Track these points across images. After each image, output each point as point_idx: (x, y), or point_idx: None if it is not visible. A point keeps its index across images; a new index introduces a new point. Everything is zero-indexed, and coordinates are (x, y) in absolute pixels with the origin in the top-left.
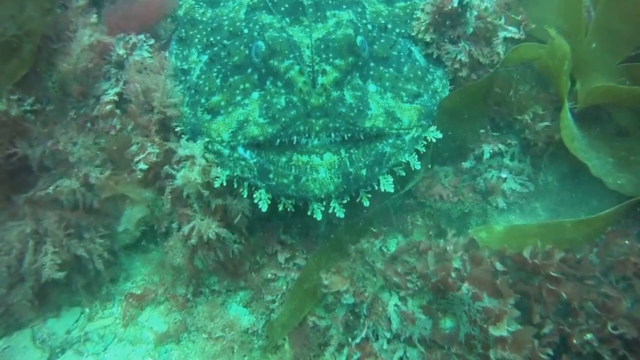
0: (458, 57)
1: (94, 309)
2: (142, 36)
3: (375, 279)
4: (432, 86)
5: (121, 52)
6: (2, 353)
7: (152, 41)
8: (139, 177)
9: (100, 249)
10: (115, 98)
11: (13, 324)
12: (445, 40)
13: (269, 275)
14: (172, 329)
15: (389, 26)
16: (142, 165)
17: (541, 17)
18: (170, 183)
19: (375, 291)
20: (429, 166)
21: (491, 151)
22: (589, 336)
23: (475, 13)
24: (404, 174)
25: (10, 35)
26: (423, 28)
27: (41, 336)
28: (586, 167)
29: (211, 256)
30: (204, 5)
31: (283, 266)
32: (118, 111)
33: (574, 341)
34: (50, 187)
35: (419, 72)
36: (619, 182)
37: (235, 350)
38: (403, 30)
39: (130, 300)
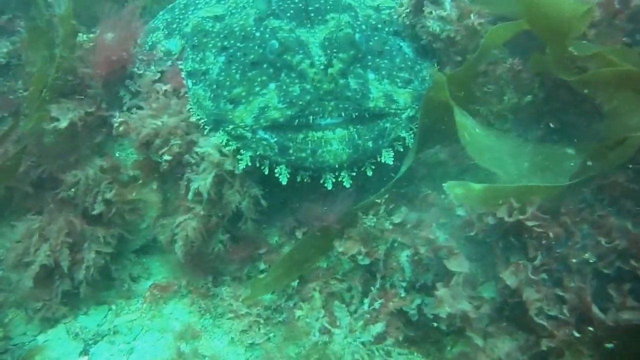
0: (434, 28)
1: (120, 306)
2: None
3: (386, 237)
4: (421, 74)
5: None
6: (44, 345)
7: (152, 68)
8: (165, 167)
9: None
10: (124, 119)
11: (48, 320)
12: (422, 19)
13: None
14: (197, 316)
15: (379, 26)
16: (167, 157)
17: None
18: (189, 171)
19: (388, 247)
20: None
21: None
22: (587, 255)
23: None
24: (402, 149)
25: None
26: (404, 15)
27: (74, 330)
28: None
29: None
30: (211, 20)
31: None
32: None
33: (573, 260)
34: (72, 189)
35: (409, 63)
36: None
37: (261, 325)
38: (392, 29)
39: (155, 290)
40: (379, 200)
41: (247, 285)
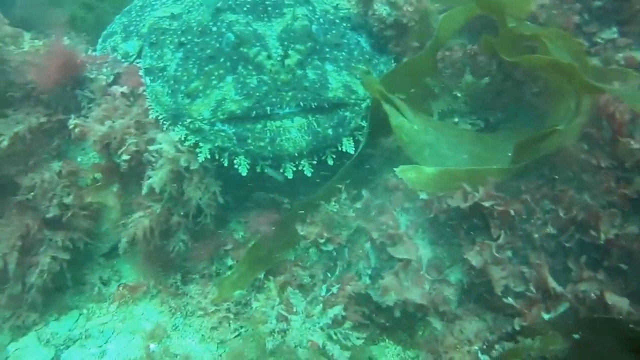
0: (380, 12)
1: (92, 310)
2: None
3: (349, 224)
4: (378, 68)
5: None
6: (14, 354)
7: (105, 71)
8: (124, 167)
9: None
10: (79, 122)
11: (19, 328)
12: (373, 6)
13: None
14: (167, 316)
15: (337, 21)
16: (125, 156)
17: None
18: (150, 169)
19: (351, 233)
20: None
21: (440, 110)
22: (549, 229)
23: None
24: (362, 139)
25: None
26: (354, 2)
27: (45, 337)
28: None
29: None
30: (168, 19)
31: None
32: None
33: (535, 235)
34: (32, 193)
35: (367, 56)
36: None
37: (231, 320)
38: (349, 25)
39: (124, 290)
40: (340, 186)
41: (215, 283)
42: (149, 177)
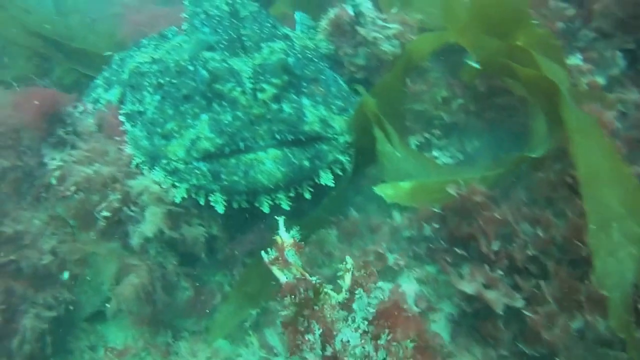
0: (356, 61)
1: None
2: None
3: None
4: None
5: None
6: None
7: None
8: (103, 225)
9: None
10: (61, 164)
11: None
12: (345, 44)
13: None
14: None
15: (315, 60)
16: (105, 213)
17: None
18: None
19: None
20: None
21: (417, 142)
22: (531, 251)
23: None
24: (341, 173)
25: None
26: (323, 36)
27: None
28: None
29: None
30: (148, 63)
31: None
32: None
33: (517, 257)
34: (13, 255)
35: (344, 93)
36: None
37: None
38: (327, 64)
39: (109, 354)
40: (332, 218)
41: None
42: (137, 228)
